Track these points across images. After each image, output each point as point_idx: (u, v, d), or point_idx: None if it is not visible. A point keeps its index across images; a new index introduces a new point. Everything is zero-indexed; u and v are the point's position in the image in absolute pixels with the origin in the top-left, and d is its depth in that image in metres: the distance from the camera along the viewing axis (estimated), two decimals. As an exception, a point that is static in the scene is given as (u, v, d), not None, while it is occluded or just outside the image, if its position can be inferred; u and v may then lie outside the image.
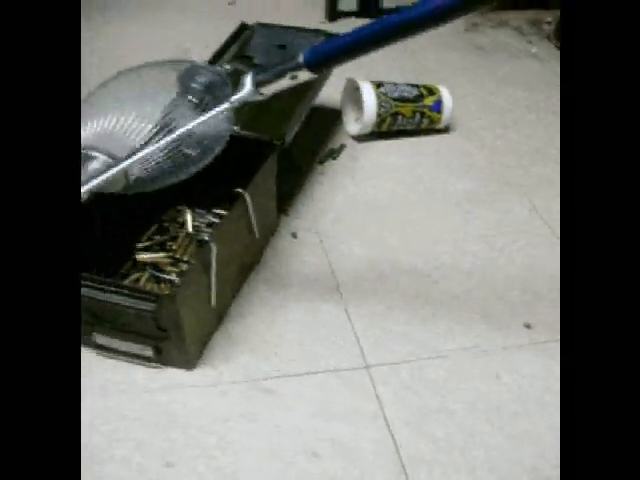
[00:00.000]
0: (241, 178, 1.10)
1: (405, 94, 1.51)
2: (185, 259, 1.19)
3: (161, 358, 1.00)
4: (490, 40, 2.01)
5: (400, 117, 1.51)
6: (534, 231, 1.31)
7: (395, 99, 1.50)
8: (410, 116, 1.52)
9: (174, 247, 1.21)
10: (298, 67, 0.86)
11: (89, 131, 0.95)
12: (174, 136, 0.91)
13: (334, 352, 1.07)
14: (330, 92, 1.65)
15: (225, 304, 1.12)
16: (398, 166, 1.48)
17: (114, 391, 1.00)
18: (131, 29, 1.97)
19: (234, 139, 1.19)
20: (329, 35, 1.47)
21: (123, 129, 0.95)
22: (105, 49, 1.84)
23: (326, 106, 1.65)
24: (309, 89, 1.33)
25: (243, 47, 1.45)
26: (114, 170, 0.91)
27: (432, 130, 1.57)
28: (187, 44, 1.85)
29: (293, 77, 0.87)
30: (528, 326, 1.12)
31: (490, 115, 1.65)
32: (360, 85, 1.50)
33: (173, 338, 0.97)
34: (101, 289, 0.95)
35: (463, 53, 1.93)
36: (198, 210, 1.28)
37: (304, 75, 0.87)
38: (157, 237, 1.23)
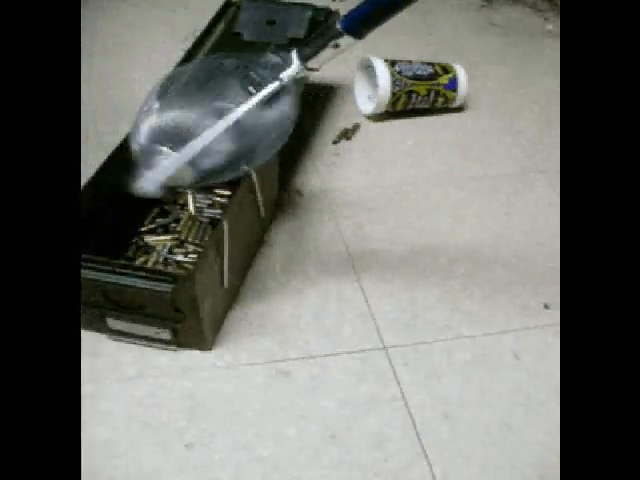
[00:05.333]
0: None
1: (419, 72, 1.46)
2: (190, 240, 1.15)
3: (178, 340, 0.97)
4: (505, 17, 1.96)
5: (414, 95, 1.46)
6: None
7: (409, 77, 1.45)
8: (425, 94, 1.47)
9: (178, 229, 1.17)
10: (338, 35, 0.86)
11: (158, 124, 0.93)
12: (232, 117, 0.89)
13: (352, 333, 1.03)
14: (343, 71, 1.60)
15: (236, 285, 1.09)
16: (413, 146, 1.42)
17: (133, 376, 0.96)
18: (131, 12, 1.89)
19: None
20: (317, 9, 1.43)
21: (190, 123, 0.92)
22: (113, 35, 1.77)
23: (340, 85, 1.60)
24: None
25: (230, 25, 1.40)
26: (177, 162, 0.89)
27: (447, 109, 1.52)
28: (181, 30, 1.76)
29: (335, 46, 0.87)
30: (547, 306, 1.08)
31: (506, 93, 1.60)
32: (373, 63, 1.45)
33: (190, 319, 0.93)
34: (114, 271, 0.91)
35: (479, 30, 1.88)
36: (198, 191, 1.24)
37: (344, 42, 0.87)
38: (159, 220, 1.20)
